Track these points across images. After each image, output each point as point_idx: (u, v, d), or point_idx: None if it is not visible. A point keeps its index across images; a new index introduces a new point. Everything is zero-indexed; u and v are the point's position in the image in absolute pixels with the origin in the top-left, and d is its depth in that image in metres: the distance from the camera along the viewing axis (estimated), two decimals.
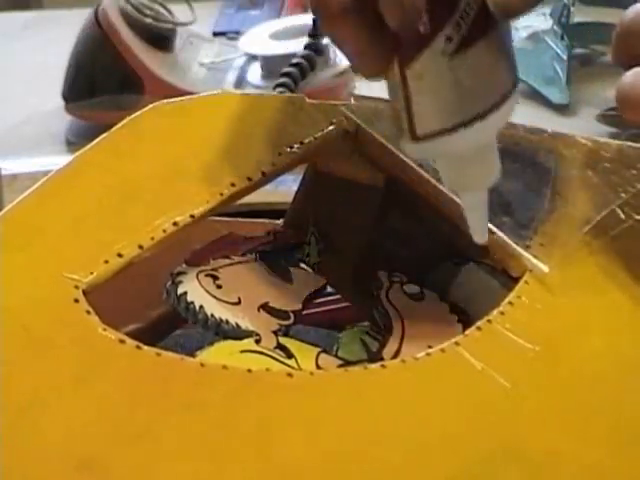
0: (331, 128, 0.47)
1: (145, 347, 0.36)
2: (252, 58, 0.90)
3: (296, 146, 0.45)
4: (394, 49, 0.36)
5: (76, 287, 0.38)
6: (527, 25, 0.98)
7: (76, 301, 0.38)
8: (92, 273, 0.39)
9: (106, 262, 0.40)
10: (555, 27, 0.92)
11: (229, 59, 0.91)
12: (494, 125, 0.37)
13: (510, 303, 0.39)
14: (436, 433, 0.35)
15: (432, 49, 0.35)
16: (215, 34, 1.00)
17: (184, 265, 0.43)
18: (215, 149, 0.45)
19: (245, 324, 0.41)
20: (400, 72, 0.36)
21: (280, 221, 0.50)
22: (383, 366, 0.37)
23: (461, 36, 0.35)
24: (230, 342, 0.40)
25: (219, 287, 0.42)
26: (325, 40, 0.86)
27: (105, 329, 0.37)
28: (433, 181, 0.44)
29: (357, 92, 0.78)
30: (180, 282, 0.42)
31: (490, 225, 0.42)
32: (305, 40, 0.84)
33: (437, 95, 0.36)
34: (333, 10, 0.35)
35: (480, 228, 0.39)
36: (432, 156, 0.38)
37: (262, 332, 0.41)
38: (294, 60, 0.82)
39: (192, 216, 0.42)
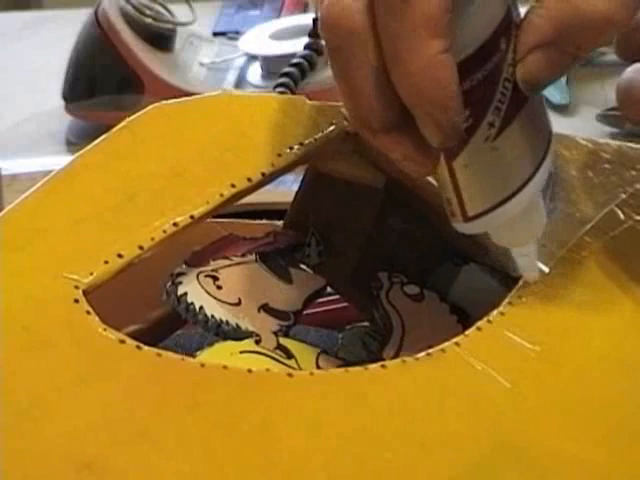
0: (331, 129, 0.47)
1: (145, 347, 0.36)
2: (252, 58, 0.90)
3: (296, 147, 0.45)
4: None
5: (76, 287, 0.38)
6: None
7: (76, 301, 0.38)
8: (92, 273, 0.39)
9: (106, 262, 0.40)
10: None
11: (229, 59, 0.91)
12: (539, 184, 0.37)
13: (510, 303, 0.39)
14: (436, 433, 0.35)
15: (476, 138, 0.36)
16: (215, 34, 1.00)
17: (184, 266, 0.43)
18: (215, 150, 0.45)
19: (245, 325, 0.41)
20: (447, 166, 0.36)
21: (280, 222, 0.50)
22: (383, 366, 0.37)
23: (501, 118, 0.35)
24: (230, 343, 0.40)
25: (219, 288, 0.42)
26: None
27: (105, 329, 0.37)
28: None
29: None
30: (180, 283, 0.42)
31: None
32: (305, 40, 0.84)
33: (484, 178, 0.37)
34: (375, 127, 0.36)
35: (531, 269, 0.40)
36: (484, 230, 0.39)
37: (262, 333, 0.41)
38: (294, 60, 0.82)
39: (192, 217, 0.42)
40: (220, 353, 0.39)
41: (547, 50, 0.35)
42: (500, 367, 0.36)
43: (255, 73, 0.89)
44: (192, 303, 0.41)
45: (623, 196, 0.43)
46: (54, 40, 0.98)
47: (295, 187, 0.50)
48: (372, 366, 0.37)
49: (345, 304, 0.48)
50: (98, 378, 0.35)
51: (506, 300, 0.39)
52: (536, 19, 0.35)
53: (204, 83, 0.87)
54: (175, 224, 0.42)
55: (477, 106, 0.35)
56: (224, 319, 0.41)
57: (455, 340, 0.37)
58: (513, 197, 0.37)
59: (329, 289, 0.46)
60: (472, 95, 0.35)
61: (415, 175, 0.38)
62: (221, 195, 0.43)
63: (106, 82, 0.85)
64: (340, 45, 0.36)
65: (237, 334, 0.41)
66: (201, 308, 0.41)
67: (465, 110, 0.35)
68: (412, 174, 0.38)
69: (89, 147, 0.45)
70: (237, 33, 0.96)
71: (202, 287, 0.42)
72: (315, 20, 0.86)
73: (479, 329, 0.38)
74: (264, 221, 0.54)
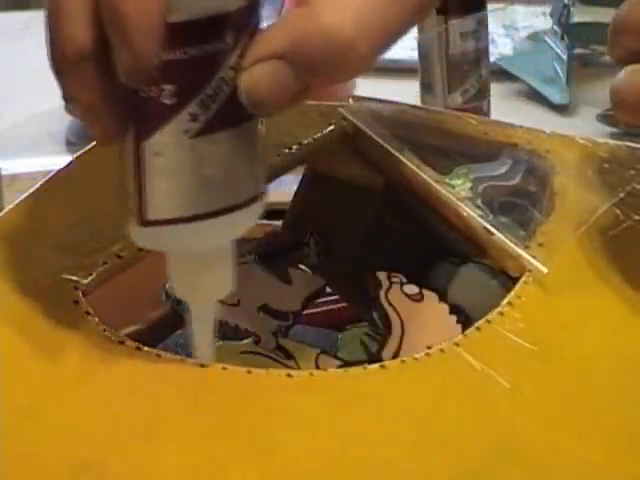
0: (330, 129, 0.47)
1: (145, 348, 0.36)
2: None
3: (295, 147, 0.45)
4: (131, 114, 0.33)
5: (75, 288, 0.39)
6: (527, 25, 0.98)
7: (76, 302, 0.38)
8: (91, 274, 0.39)
9: (105, 263, 0.40)
10: (555, 27, 0.92)
11: None
12: (233, 228, 0.34)
13: (509, 303, 0.39)
14: (436, 433, 0.35)
15: (174, 124, 0.33)
16: None
17: None
18: None
19: (244, 325, 0.41)
20: (135, 144, 0.33)
21: (279, 222, 0.50)
22: (382, 366, 0.37)
23: (208, 117, 0.33)
24: (230, 343, 0.40)
25: None
26: None
27: (105, 330, 0.37)
28: (431, 182, 0.44)
29: (356, 93, 0.78)
30: None
31: (489, 225, 0.42)
32: None
33: (175, 178, 0.33)
34: (68, 55, 0.33)
35: (206, 342, 0.36)
36: (161, 246, 0.35)
37: (261, 333, 0.41)
38: None
39: None
40: (220, 353, 0.39)
41: (277, 65, 0.32)
42: (499, 367, 0.36)
43: None
44: None
45: (622, 195, 0.43)
46: None
47: (295, 187, 0.50)
48: (371, 366, 0.37)
49: (344, 304, 0.48)
50: (98, 379, 0.35)
51: (506, 300, 0.39)
52: (274, 29, 0.33)
53: None
54: None
55: (183, 86, 0.32)
56: (224, 319, 0.41)
57: (454, 340, 0.38)
58: (201, 219, 0.33)
59: (328, 289, 0.46)
60: (180, 69, 0.32)
61: (98, 136, 0.34)
62: None
63: None
64: None
65: (237, 334, 0.41)
66: None
67: (169, 84, 0.32)
68: (94, 132, 0.34)
69: (89, 147, 0.45)
70: None
71: None
72: None
73: (478, 329, 0.38)
74: (264, 221, 0.54)
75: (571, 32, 0.91)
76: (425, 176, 0.44)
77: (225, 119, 0.33)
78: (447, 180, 0.44)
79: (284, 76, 0.33)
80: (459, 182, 0.44)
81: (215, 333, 0.36)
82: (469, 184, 0.44)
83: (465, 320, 0.41)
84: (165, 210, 0.33)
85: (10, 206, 0.42)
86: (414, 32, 0.76)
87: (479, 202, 0.43)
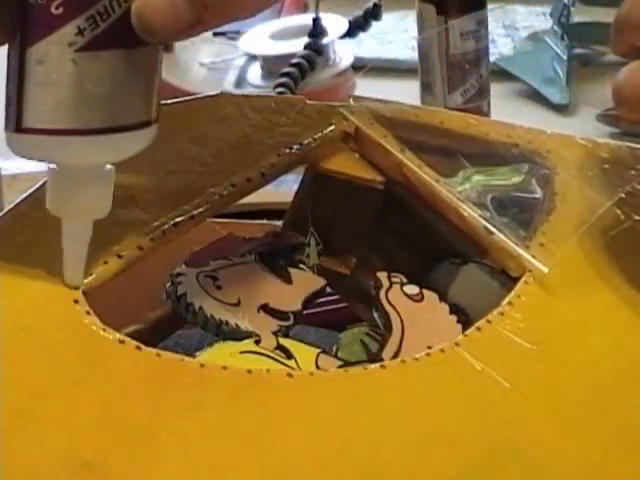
0: (331, 129, 0.47)
1: (145, 348, 0.36)
2: (252, 58, 0.90)
3: (295, 147, 0.46)
4: (21, 20, 0.34)
5: (76, 288, 0.38)
6: (527, 25, 0.99)
7: (76, 302, 0.38)
8: (92, 274, 0.39)
9: (106, 263, 0.40)
10: (555, 27, 0.92)
11: (229, 59, 0.91)
12: (117, 149, 0.35)
13: (510, 303, 0.39)
14: (436, 433, 0.35)
15: (59, 35, 0.33)
16: (215, 34, 1.00)
17: (184, 266, 0.43)
18: (215, 150, 0.45)
19: (245, 325, 0.41)
20: (21, 50, 0.34)
21: (280, 222, 0.50)
22: (383, 366, 0.37)
23: (95, 34, 0.33)
24: (230, 343, 0.40)
25: (219, 288, 0.42)
26: (325, 40, 0.86)
27: (105, 330, 0.37)
28: (432, 182, 0.44)
29: (356, 93, 0.78)
30: (180, 283, 0.42)
31: (489, 225, 0.42)
32: (305, 40, 0.84)
33: (54, 88, 0.34)
34: None
35: (74, 263, 0.37)
36: (38, 155, 0.35)
37: (262, 333, 0.41)
38: (294, 60, 0.82)
39: (192, 217, 0.42)
40: (220, 353, 0.39)
41: None
42: (500, 367, 0.36)
43: (255, 73, 0.89)
44: (192, 303, 0.42)
45: (622, 196, 0.43)
46: None
47: (295, 187, 0.50)
48: (372, 366, 0.37)
49: (345, 304, 0.48)
50: (98, 378, 0.35)
51: (506, 300, 0.39)
52: None
53: (204, 83, 0.87)
54: (175, 224, 0.42)
55: None
56: (224, 319, 0.41)
57: (455, 340, 0.38)
58: (80, 135, 0.34)
59: (329, 289, 0.46)
60: None
61: None
62: (221, 195, 0.43)
63: None
64: None
65: (237, 334, 0.41)
66: (201, 308, 0.41)
67: None
68: None
69: None
70: (237, 33, 0.96)
71: (202, 287, 0.42)
72: (315, 20, 0.86)
73: (479, 329, 0.38)
74: (264, 221, 0.54)
75: (571, 32, 0.91)
76: (425, 176, 0.44)
77: (114, 39, 0.33)
78: (451, 182, 0.44)
79: (178, 6, 0.33)
80: (465, 185, 0.44)
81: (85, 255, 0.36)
82: (469, 184, 0.44)
83: (465, 320, 0.41)
84: (41, 120, 0.34)
85: (10, 206, 0.42)
86: (414, 32, 0.76)
87: (479, 202, 0.43)
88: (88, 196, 0.36)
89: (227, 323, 0.41)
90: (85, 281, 0.39)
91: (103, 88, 0.34)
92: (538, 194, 0.44)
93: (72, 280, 0.37)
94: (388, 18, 0.95)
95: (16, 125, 0.34)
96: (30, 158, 0.35)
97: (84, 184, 0.35)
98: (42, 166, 0.36)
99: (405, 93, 0.68)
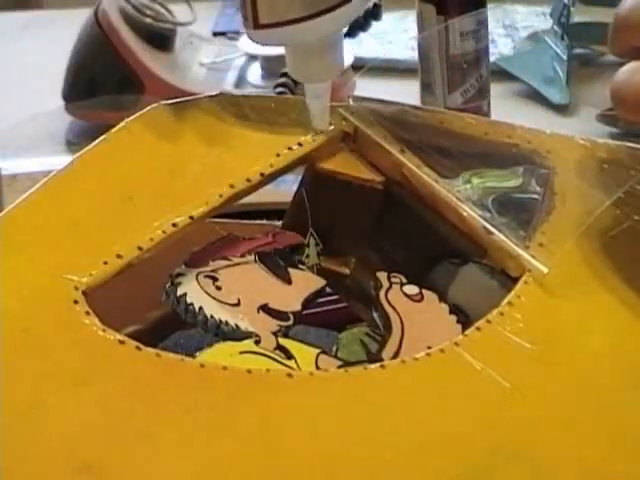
0: (330, 129, 0.47)
1: (145, 348, 0.36)
2: (252, 58, 0.90)
3: (295, 147, 0.46)
4: None
5: (75, 288, 0.39)
6: (527, 25, 0.98)
7: (76, 302, 0.38)
8: (91, 274, 0.39)
9: (105, 263, 0.40)
10: (555, 27, 0.92)
11: (229, 59, 0.91)
12: (340, 19, 0.40)
13: (509, 303, 0.39)
14: (436, 433, 0.35)
15: None
16: (215, 34, 1.00)
17: (183, 266, 0.43)
18: (214, 150, 0.45)
19: (245, 325, 0.41)
20: None
21: (279, 222, 0.50)
22: (383, 366, 0.37)
23: None
24: (230, 343, 0.40)
25: (218, 288, 0.42)
26: None
27: (105, 330, 0.37)
28: (432, 182, 0.44)
29: (356, 93, 0.78)
30: (179, 283, 0.42)
31: (489, 225, 0.42)
32: None
33: None
34: None
35: (320, 114, 0.44)
36: (276, 44, 0.42)
37: (262, 333, 0.41)
38: None
39: (191, 217, 0.42)
40: (219, 354, 0.39)
41: None
42: (499, 367, 0.36)
43: (255, 73, 0.89)
44: (191, 304, 0.41)
45: (622, 196, 0.43)
46: (54, 40, 0.98)
47: (295, 187, 0.50)
48: (372, 366, 0.37)
49: (345, 304, 0.48)
50: (98, 379, 0.35)
51: (506, 300, 0.39)
52: None
53: (204, 83, 0.87)
54: (174, 225, 0.42)
55: None
56: (223, 319, 0.41)
57: (454, 340, 0.38)
58: (311, 19, 0.39)
59: (328, 289, 0.46)
60: None
61: None
62: (220, 195, 0.43)
63: (106, 82, 0.85)
64: None
65: (236, 334, 0.41)
66: (200, 309, 0.41)
67: None
68: None
69: (89, 147, 0.45)
70: (237, 33, 0.96)
71: (201, 288, 0.42)
72: None
73: (478, 329, 0.38)
74: (263, 221, 0.54)
75: (571, 32, 0.91)
76: (425, 176, 0.44)
77: None
78: (451, 184, 0.44)
79: None
80: (466, 186, 0.44)
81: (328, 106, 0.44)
82: (469, 186, 0.44)
83: (465, 320, 0.41)
84: (274, 16, 0.39)
85: (10, 206, 0.42)
86: (414, 32, 0.76)
87: (479, 202, 0.43)
88: (323, 63, 0.43)
89: (227, 323, 0.41)
90: (84, 281, 0.39)
91: None
92: (537, 194, 0.44)
93: (320, 125, 0.45)
94: (388, 18, 0.95)
95: (254, 23, 0.40)
96: (269, 45, 0.43)
97: (319, 55, 0.42)
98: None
99: (405, 93, 0.68)
